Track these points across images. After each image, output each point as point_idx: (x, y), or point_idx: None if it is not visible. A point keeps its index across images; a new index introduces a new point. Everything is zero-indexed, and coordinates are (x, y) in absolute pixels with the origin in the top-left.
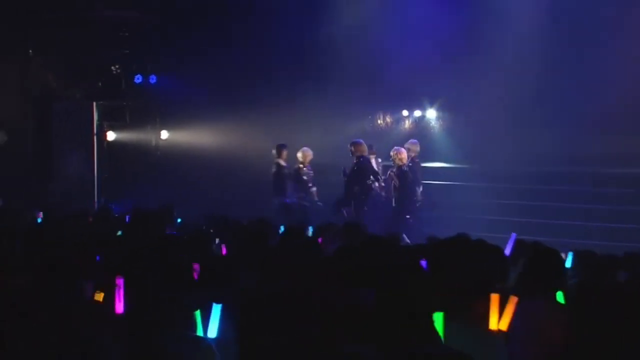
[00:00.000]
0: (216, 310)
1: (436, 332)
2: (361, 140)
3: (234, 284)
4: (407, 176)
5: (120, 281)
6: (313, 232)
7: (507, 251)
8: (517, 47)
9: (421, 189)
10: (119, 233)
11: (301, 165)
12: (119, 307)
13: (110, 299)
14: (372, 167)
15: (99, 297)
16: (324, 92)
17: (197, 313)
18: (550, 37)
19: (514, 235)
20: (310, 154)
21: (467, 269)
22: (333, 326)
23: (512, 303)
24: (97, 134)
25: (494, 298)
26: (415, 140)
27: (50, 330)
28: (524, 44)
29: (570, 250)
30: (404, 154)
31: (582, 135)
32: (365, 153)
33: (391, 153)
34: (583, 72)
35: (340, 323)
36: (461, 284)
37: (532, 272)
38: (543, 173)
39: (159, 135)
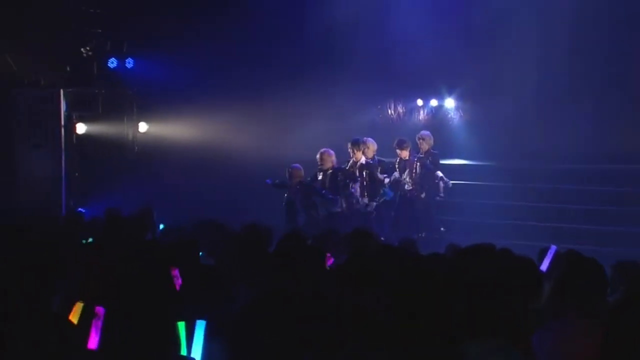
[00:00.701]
0: (200, 327)
1: (454, 346)
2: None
3: (225, 297)
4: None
5: (100, 310)
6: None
7: (544, 267)
8: (547, 29)
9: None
10: (90, 240)
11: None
12: (93, 342)
13: (83, 327)
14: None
15: (74, 316)
16: (327, 78)
17: (182, 325)
18: (584, 20)
19: (553, 248)
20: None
21: (492, 283)
22: (340, 329)
23: None
24: (65, 127)
25: None
26: (428, 132)
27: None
28: (554, 26)
29: (615, 260)
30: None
31: (619, 131)
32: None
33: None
34: (622, 60)
35: (347, 326)
36: (485, 299)
37: (565, 287)
38: (579, 171)
39: (137, 127)
